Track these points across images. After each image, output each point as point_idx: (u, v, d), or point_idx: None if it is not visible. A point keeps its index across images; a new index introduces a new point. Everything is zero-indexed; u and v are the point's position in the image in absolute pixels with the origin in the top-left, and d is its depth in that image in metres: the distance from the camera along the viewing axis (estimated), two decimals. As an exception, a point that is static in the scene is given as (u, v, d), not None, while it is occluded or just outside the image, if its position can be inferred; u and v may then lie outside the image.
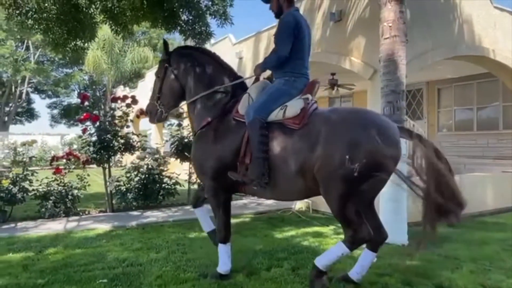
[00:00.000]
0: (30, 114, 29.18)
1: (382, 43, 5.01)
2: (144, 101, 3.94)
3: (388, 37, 4.93)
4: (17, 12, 4.67)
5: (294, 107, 3.07)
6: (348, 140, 2.79)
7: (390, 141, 2.83)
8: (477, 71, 9.13)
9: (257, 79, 3.45)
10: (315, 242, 4.53)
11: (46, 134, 22.81)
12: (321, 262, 2.98)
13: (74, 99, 29.80)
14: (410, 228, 4.66)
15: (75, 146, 16.76)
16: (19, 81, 23.89)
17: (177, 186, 7.06)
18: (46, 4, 4.78)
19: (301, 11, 8.34)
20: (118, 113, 6.82)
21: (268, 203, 7.06)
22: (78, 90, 28.39)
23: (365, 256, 3.16)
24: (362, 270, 3.15)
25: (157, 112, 3.53)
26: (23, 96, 25.25)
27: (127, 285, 3.20)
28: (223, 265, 3.29)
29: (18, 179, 6.06)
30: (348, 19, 7.17)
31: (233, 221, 5.71)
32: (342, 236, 4.77)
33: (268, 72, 3.43)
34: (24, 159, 6.61)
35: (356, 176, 2.73)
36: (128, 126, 6.70)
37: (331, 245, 4.44)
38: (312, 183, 2.91)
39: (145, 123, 16.13)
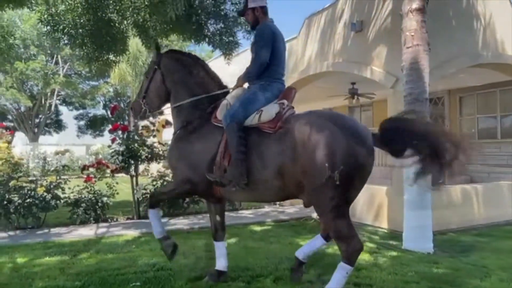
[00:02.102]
0: (58, 125, 30.24)
1: (405, 52, 5.06)
2: (167, 112, 4.07)
3: (411, 46, 4.98)
4: (55, 28, 4.97)
5: (269, 111, 3.17)
6: (324, 145, 2.80)
7: (365, 144, 2.84)
8: (500, 79, 8.99)
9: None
10: (339, 250, 4.56)
11: (72, 144, 23.57)
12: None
13: (100, 111, 30.73)
14: (435, 236, 4.64)
15: (100, 156, 17.26)
16: (49, 94, 24.88)
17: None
18: (82, 20, 5.08)
19: (322, 22, 8.42)
20: (143, 123, 7.07)
21: (289, 212, 7.13)
22: (104, 102, 29.27)
23: (316, 240, 3.44)
24: (310, 251, 3.43)
25: (141, 110, 3.70)
26: (52, 108, 26.23)
27: (159, 288, 3.33)
28: (157, 233, 3.48)
29: (51, 187, 6.35)
30: (369, 29, 7.24)
31: (257, 228, 5.83)
32: (367, 244, 4.82)
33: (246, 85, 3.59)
34: (57, 168, 6.92)
35: (336, 182, 2.72)
36: (154, 136, 6.94)
37: None
38: (290, 186, 2.99)
39: (169, 133, 16.47)
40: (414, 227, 4.73)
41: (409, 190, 4.77)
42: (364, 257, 4.29)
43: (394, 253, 4.47)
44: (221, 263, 3.49)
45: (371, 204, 6.21)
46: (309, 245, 3.49)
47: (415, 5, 4.99)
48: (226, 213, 3.70)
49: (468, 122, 10.84)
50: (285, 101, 3.27)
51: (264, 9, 3.50)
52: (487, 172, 8.70)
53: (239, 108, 3.22)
